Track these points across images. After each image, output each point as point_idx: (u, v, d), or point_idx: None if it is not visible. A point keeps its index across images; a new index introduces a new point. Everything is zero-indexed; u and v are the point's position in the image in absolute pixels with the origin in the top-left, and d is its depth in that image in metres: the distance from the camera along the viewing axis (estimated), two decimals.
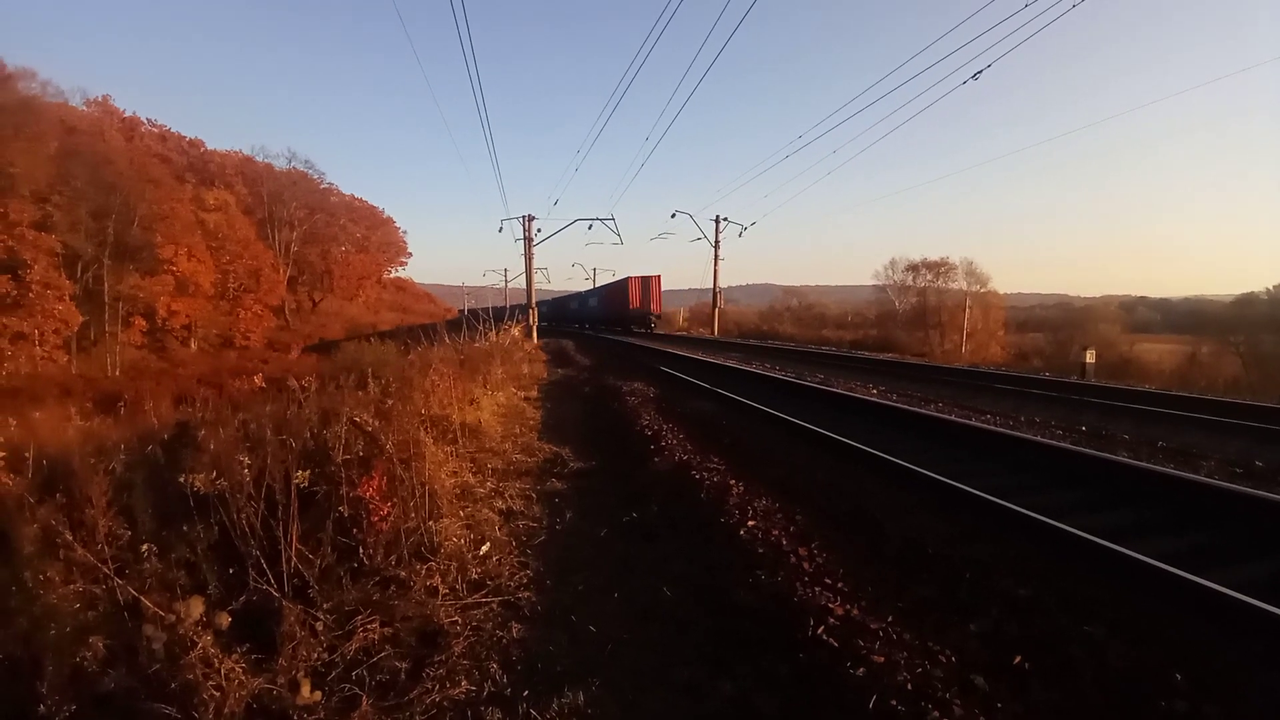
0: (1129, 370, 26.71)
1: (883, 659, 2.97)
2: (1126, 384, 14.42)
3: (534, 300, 37.94)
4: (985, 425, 8.20)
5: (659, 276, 44.32)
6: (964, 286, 48.48)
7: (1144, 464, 5.94)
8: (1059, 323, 46.57)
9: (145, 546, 3.54)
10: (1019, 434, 7.48)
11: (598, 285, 56.86)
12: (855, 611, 3.46)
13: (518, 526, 5.46)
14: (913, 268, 51.50)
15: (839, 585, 3.83)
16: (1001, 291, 50.34)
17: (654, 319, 44.06)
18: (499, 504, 5.94)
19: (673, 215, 41.45)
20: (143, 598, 3.05)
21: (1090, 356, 18.45)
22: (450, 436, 7.55)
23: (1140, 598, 3.57)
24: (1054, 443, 6.97)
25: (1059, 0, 12.63)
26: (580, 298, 59.29)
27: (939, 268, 50.15)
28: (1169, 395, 11.25)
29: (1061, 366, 22.28)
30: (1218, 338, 34.07)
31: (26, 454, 5.01)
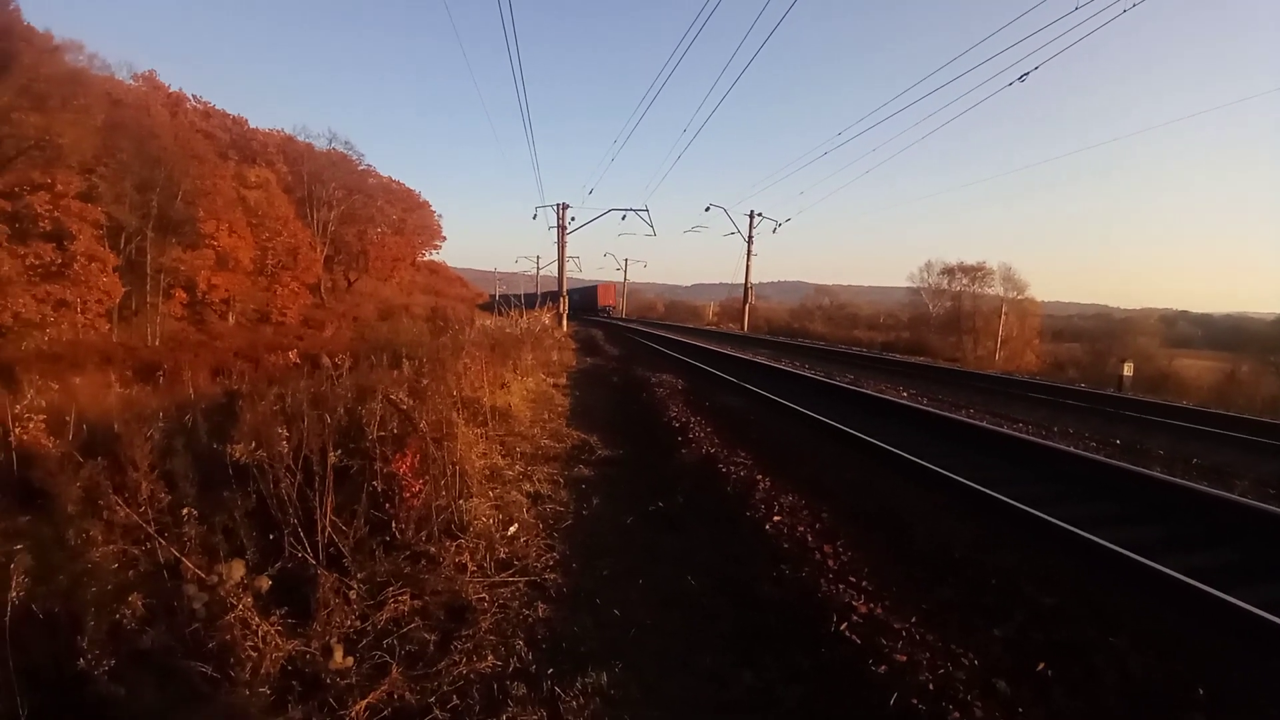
0: (1167, 385, 26.11)
1: (905, 658, 2.98)
2: (1164, 399, 14.13)
3: (565, 288, 38.12)
4: (1017, 433, 8.10)
5: (615, 284, 74.46)
6: (1000, 292, 47.63)
7: (1177, 479, 5.84)
8: (1097, 333, 45.46)
9: (186, 510, 3.64)
10: (1051, 444, 7.38)
11: (582, 285, 78.03)
12: (879, 610, 3.47)
13: (545, 510, 5.54)
14: (948, 271, 50.71)
15: (863, 584, 3.84)
16: (1039, 299, 49.41)
17: (611, 309, 68.03)
18: (527, 487, 6.03)
19: (707, 209, 41.72)
20: (184, 559, 3.15)
21: (1128, 369, 18.10)
22: (481, 419, 7.65)
23: (1167, 612, 3.53)
24: (1087, 454, 6.88)
25: (1112, 3, 12.28)
26: (569, 293, 73.82)
27: (975, 272, 49.30)
28: (1206, 412, 11.01)
29: (1098, 378, 21.89)
30: (1258, 356, 33.09)
31: (67, 417, 5.16)
